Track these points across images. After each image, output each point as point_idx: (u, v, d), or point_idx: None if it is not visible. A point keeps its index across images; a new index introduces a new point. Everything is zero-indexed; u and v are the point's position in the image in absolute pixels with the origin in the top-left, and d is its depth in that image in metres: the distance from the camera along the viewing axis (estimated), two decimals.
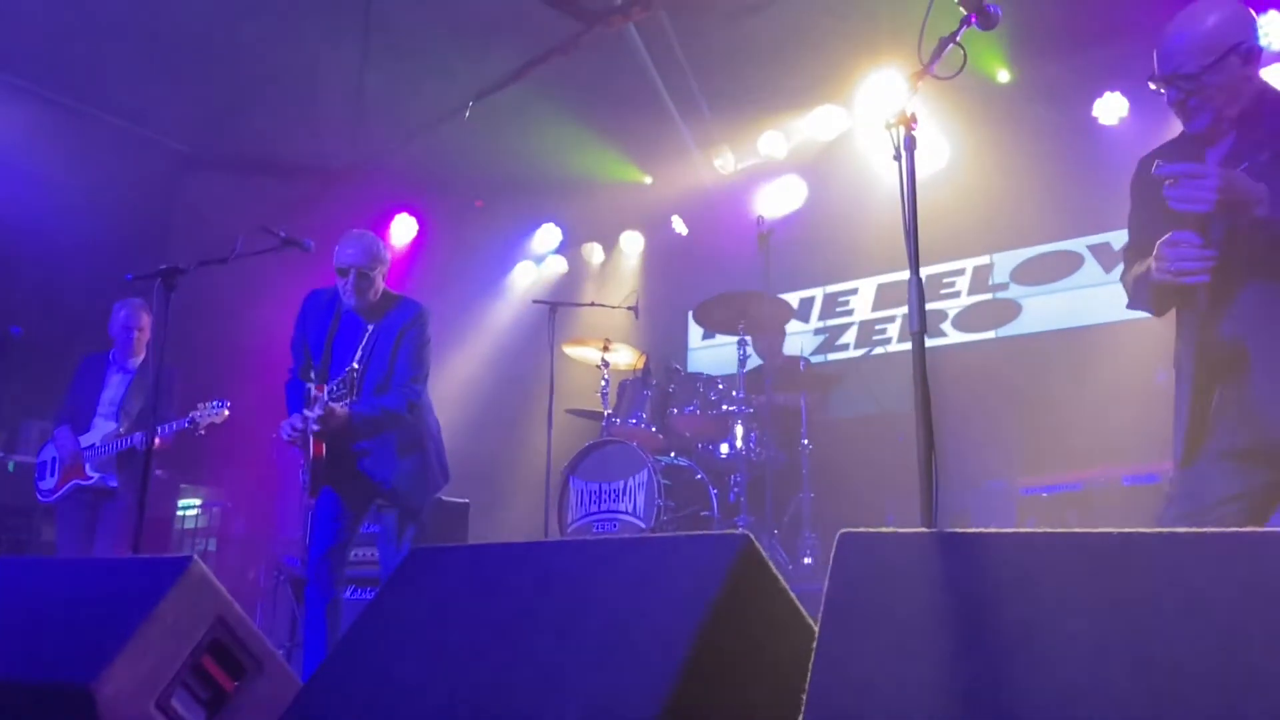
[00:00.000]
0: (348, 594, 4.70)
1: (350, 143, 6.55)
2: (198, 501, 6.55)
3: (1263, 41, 2.19)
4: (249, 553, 6.13)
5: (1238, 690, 0.95)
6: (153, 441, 3.50)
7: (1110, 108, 5.40)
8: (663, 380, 5.20)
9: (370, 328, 3.65)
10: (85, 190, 6.13)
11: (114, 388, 4.76)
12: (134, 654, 2.10)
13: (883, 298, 6.39)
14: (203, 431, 4.35)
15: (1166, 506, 2.25)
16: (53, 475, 4.72)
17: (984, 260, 5.97)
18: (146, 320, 4.83)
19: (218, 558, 6.08)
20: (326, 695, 1.79)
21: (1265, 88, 2.23)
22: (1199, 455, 2.18)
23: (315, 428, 3.46)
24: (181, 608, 2.23)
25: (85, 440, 4.65)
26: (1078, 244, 5.65)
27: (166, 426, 4.42)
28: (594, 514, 4.82)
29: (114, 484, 4.58)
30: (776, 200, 6.50)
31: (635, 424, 5.04)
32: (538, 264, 7.74)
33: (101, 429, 4.65)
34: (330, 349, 3.66)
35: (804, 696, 1.19)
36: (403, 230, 7.43)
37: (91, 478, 4.58)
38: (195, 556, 2.31)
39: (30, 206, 6.00)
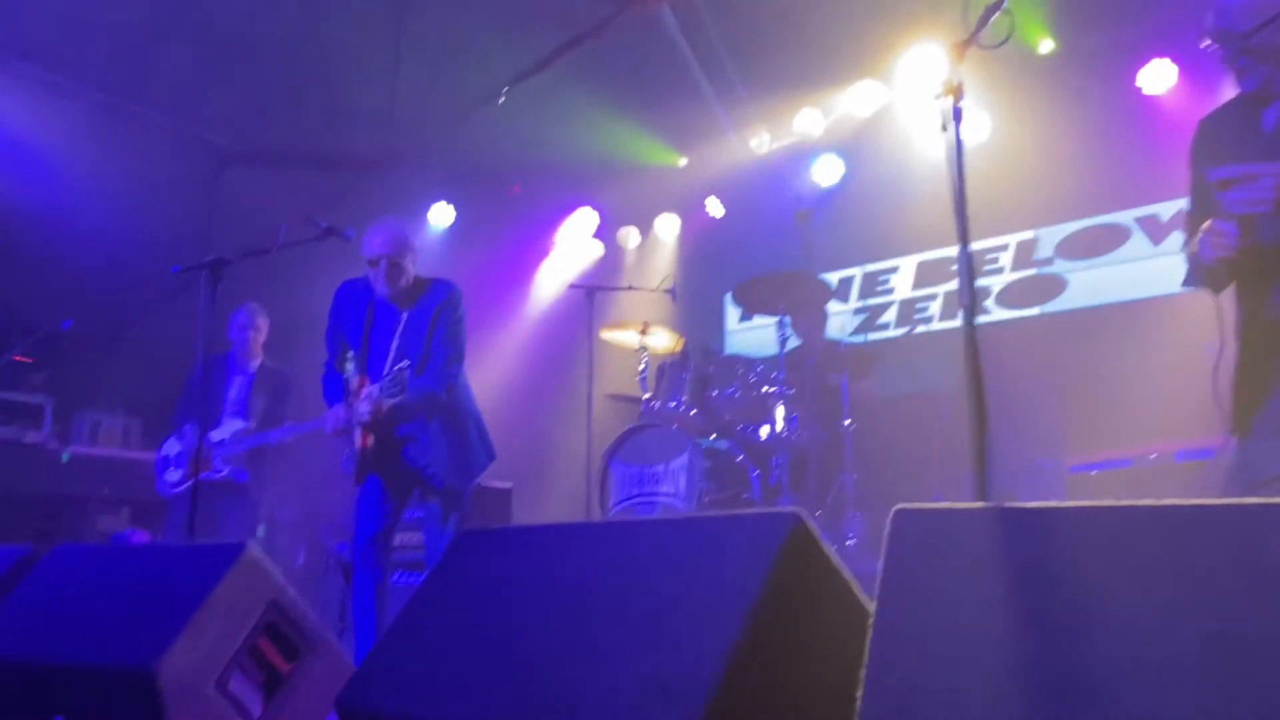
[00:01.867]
0: (395, 578, 4.77)
1: (388, 132, 6.59)
2: None
3: None
4: (297, 538, 6.24)
5: None
6: (201, 441, 3.63)
7: (1158, 76, 5.26)
8: (701, 363, 5.18)
9: (404, 315, 3.69)
10: (130, 186, 6.25)
11: (237, 388, 5.00)
12: (193, 637, 2.15)
13: (923, 276, 6.30)
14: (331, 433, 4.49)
15: (1227, 482, 2.21)
16: (178, 468, 4.89)
17: (1028, 235, 5.86)
18: (263, 322, 5.10)
19: (267, 543, 6.18)
20: (380, 676, 1.81)
21: None
22: (1253, 427, 2.14)
23: (365, 420, 3.52)
24: (237, 592, 2.28)
25: (215, 436, 4.83)
26: (1125, 216, 5.53)
27: (299, 426, 4.63)
28: (635, 497, 4.82)
29: (244, 479, 4.79)
30: (814, 179, 6.43)
31: (675, 407, 5.02)
32: (575, 249, 7.75)
33: (231, 426, 4.85)
34: (368, 340, 3.70)
35: (862, 674, 1.18)
36: (441, 218, 7.47)
37: (221, 471, 4.77)
38: (250, 542, 2.36)
39: (77, 202, 6.13)
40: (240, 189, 6.88)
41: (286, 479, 5.90)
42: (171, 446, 5.01)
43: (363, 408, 3.50)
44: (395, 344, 3.66)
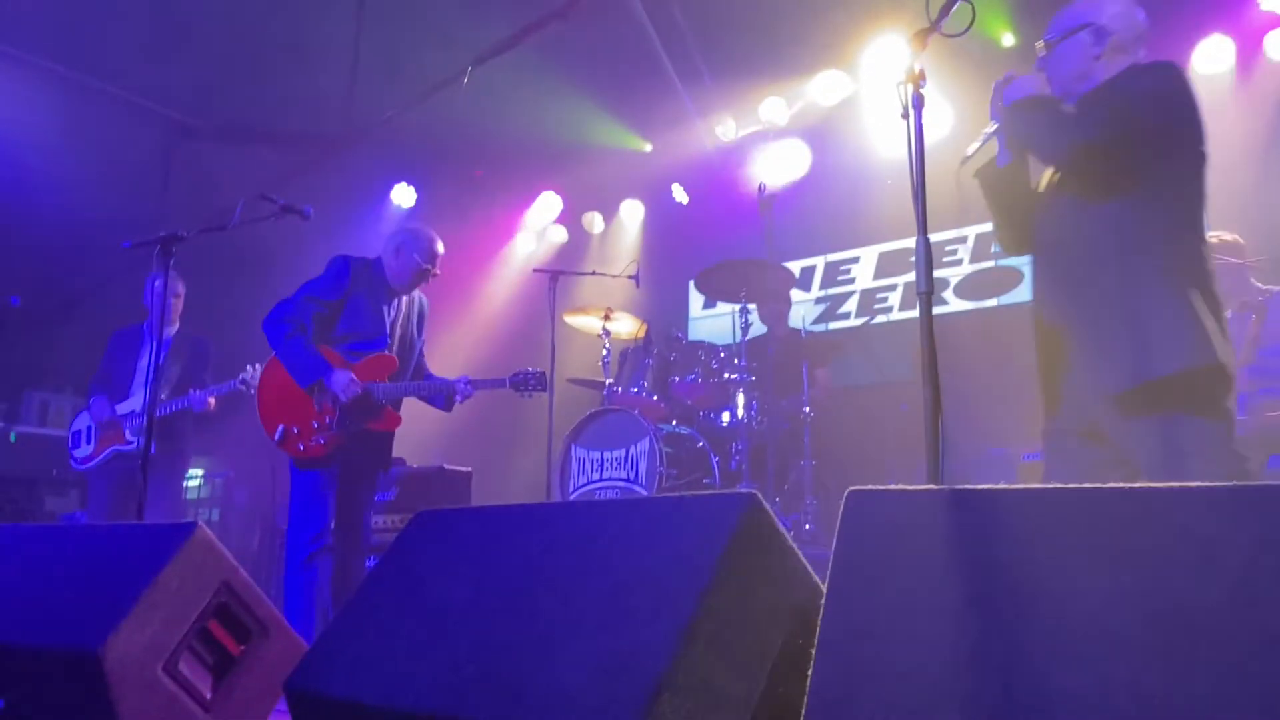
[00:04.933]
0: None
1: (348, 110, 6.48)
2: (201, 471, 6.56)
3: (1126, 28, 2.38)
4: (252, 521, 6.16)
5: (1248, 643, 0.95)
6: (153, 412, 3.52)
7: None
8: (664, 349, 5.19)
9: (402, 309, 3.88)
10: (82, 160, 6.09)
11: (150, 356, 4.77)
12: (140, 619, 2.11)
13: (884, 266, 6.36)
14: (253, 392, 4.38)
15: (1044, 480, 2.40)
16: (89, 443, 4.74)
17: (986, 228, 5.94)
18: (182, 287, 4.88)
19: (221, 527, 6.11)
20: (330, 658, 1.80)
21: (1126, 68, 2.35)
22: (1053, 431, 2.37)
23: (466, 396, 3.80)
24: (187, 573, 2.24)
25: (124, 408, 4.68)
26: None
27: (217, 388, 4.57)
28: (596, 482, 4.83)
29: (153, 451, 4.63)
30: (778, 168, 6.45)
31: (637, 392, 5.03)
32: (538, 233, 7.71)
33: (141, 396, 4.63)
34: (393, 322, 3.82)
35: (813, 653, 1.19)
36: (402, 199, 7.39)
37: (131, 443, 4.60)
38: (200, 522, 2.32)
39: (26, 176, 5.96)
40: (197, 165, 6.74)
41: (240, 462, 5.80)
42: (81, 421, 4.84)
43: (470, 391, 3.78)
44: (399, 335, 3.84)
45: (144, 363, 4.74)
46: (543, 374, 3.91)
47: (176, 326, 4.88)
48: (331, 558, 3.58)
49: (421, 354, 3.99)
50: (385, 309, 3.77)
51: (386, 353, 3.72)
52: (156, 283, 4.84)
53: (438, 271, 3.86)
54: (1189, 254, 2.16)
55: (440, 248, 3.87)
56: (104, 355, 4.88)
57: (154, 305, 4.81)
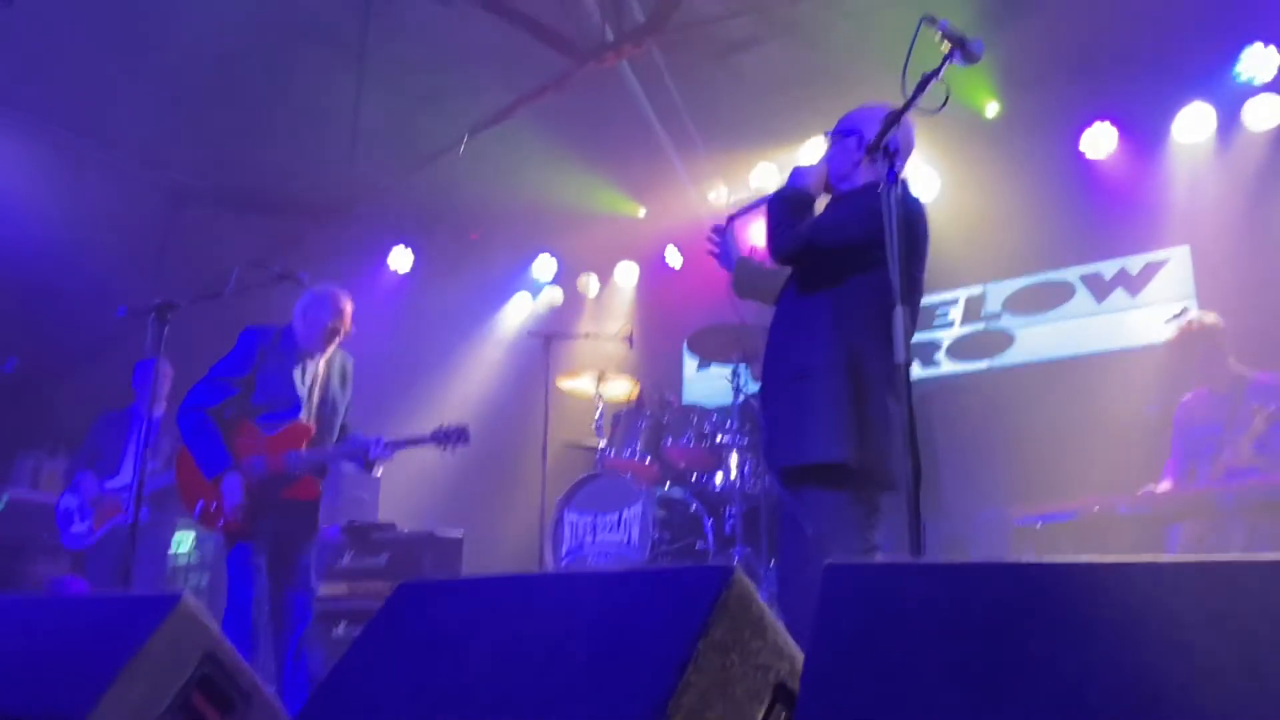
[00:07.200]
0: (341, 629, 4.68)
1: (347, 176, 6.60)
2: (191, 535, 6.50)
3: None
4: None
5: (1213, 717, 0.96)
6: (141, 482, 3.53)
7: (1098, 139, 5.46)
8: (657, 411, 5.20)
9: (320, 369, 3.82)
10: (80, 223, 6.17)
11: (143, 434, 4.81)
12: (122, 691, 2.08)
13: None
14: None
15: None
16: (83, 520, 4.73)
17: (977, 290, 6.00)
18: (168, 370, 4.94)
19: (211, 591, 6.04)
20: None
21: (864, 184, 2.65)
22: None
23: (388, 458, 3.66)
24: (170, 644, 2.21)
25: (115, 483, 4.72)
26: (1069, 274, 5.68)
27: None
28: (588, 546, 4.80)
29: (145, 519, 4.63)
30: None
31: (630, 455, 5.03)
32: (534, 295, 7.77)
33: (132, 471, 4.66)
34: (310, 389, 3.77)
35: None
36: (400, 262, 7.47)
37: (132, 515, 4.63)
38: (186, 592, 2.30)
39: (25, 238, 6.03)
40: (196, 230, 6.82)
41: None
42: (69, 501, 4.86)
43: (386, 453, 3.63)
44: (317, 399, 3.77)
45: (135, 438, 4.80)
46: (465, 428, 3.76)
47: (165, 406, 4.92)
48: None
49: (345, 413, 3.90)
50: (298, 374, 3.73)
51: (301, 420, 3.67)
52: (147, 370, 4.94)
53: (348, 327, 3.80)
54: (858, 353, 2.43)
55: (347, 305, 3.81)
56: (88, 438, 4.95)
57: (143, 386, 4.91)
